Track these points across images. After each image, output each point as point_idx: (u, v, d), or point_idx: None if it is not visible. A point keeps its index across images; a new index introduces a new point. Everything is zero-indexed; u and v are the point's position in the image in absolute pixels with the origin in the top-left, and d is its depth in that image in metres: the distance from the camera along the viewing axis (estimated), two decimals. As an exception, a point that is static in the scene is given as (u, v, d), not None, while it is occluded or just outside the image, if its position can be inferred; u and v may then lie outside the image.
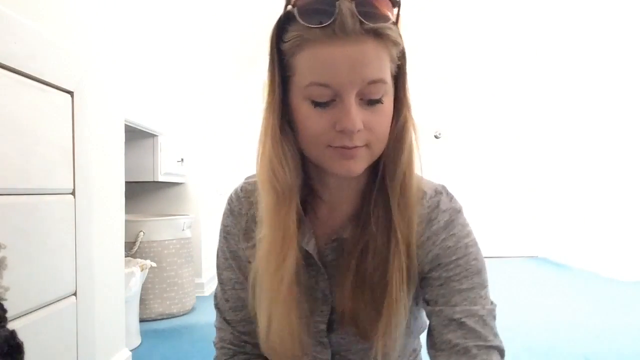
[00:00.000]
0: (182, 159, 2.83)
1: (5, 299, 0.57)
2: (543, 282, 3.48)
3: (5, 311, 0.56)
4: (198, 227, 2.92)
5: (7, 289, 0.61)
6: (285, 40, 0.57)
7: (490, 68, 4.42)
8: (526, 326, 2.29)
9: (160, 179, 2.55)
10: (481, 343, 0.61)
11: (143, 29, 2.43)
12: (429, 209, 0.66)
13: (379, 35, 0.55)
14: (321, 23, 0.53)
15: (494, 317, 0.64)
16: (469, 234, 0.67)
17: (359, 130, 0.56)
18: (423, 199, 0.66)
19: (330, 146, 0.58)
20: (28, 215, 0.97)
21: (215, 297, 0.80)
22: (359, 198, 0.67)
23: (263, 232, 0.63)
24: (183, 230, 2.61)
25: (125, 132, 1.68)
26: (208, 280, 3.10)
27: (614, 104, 3.49)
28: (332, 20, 0.53)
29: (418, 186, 0.65)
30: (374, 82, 0.55)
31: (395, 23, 0.58)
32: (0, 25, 0.89)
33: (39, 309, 1.00)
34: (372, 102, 0.57)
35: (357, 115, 0.55)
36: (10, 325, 0.55)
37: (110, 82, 1.53)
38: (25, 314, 0.95)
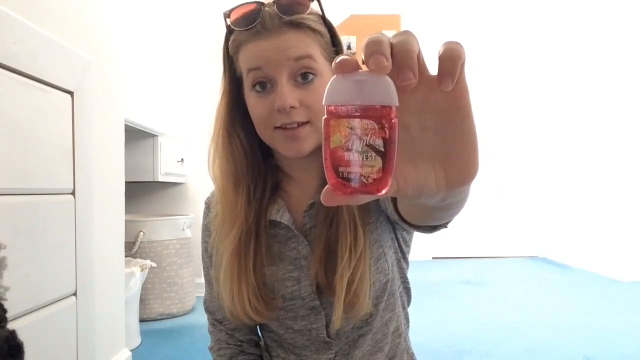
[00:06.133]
0: (182, 159, 2.83)
1: (5, 299, 0.57)
2: (543, 282, 3.48)
3: (5, 311, 0.56)
4: (198, 227, 2.90)
5: (7, 289, 0.61)
6: (229, 47, 0.69)
7: (489, 68, 4.42)
8: (526, 326, 2.29)
9: (160, 179, 2.54)
10: None
11: (143, 28, 2.43)
12: None
13: (296, 25, 0.64)
14: (247, 26, 0.64)
15: None
16: None
17: (292, 107, 0.63)
18: None
19: (277, 128, 0.66)
20: (28, 215, 0.97)
21: (205, 301, 0.84)
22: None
23: (218, 208, 0.76)
24: (183, 230, 2.61)
25: (125, 132, 1.68)
26: (208, 280, 3.09)
27: (613, 104, 3.49)
28: (256, 22, 0.63)
29: None
30: (300, 58, 0.63)
31: (323, 16, 0.68)
32: (0, 25, 0.89)
33: (39, 309, 1.00)
34: (305, 78, 0.64)
35: (288, 94, 0.63)
36: (10, 325, 0.55)
37: (110, 82, 1.53)
38: (25, 314, 0.95)
